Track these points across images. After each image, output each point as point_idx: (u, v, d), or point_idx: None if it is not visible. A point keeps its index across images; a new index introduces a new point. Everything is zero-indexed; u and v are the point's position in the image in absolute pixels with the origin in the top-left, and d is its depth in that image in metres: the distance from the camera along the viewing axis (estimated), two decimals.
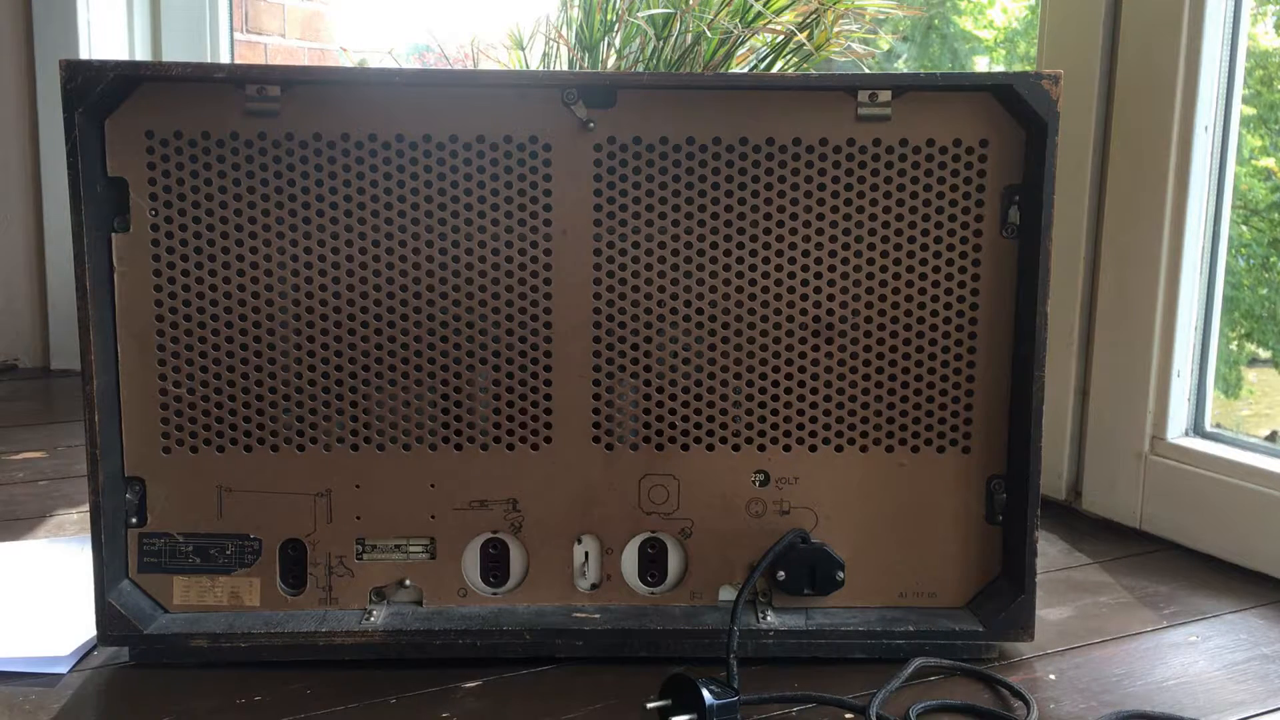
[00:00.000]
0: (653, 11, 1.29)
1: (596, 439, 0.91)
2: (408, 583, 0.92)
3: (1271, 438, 1.19)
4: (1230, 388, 1.50)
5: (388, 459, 0.91)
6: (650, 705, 0.79)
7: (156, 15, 2.05)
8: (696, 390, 0.91)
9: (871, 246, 0.90)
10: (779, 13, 1.31)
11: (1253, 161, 1.46)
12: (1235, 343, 1.50)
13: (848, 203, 0.89)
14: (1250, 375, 1.55)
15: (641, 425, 0.91)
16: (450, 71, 0.99)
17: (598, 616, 0.91)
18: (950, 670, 0.89)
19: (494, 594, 0.93)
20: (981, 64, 2.20)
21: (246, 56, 2.50)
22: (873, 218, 0.89)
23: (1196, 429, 1.21)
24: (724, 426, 0.92)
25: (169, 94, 0.86)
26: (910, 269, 0.90)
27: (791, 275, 0.90)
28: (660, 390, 0.91)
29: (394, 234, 0.88)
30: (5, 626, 0.94)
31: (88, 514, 0.88)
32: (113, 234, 0.87)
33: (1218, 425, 1.21)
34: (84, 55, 1.93)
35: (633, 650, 0.89)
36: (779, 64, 1.36)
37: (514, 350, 0.90)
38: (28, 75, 1.99)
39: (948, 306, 0.90)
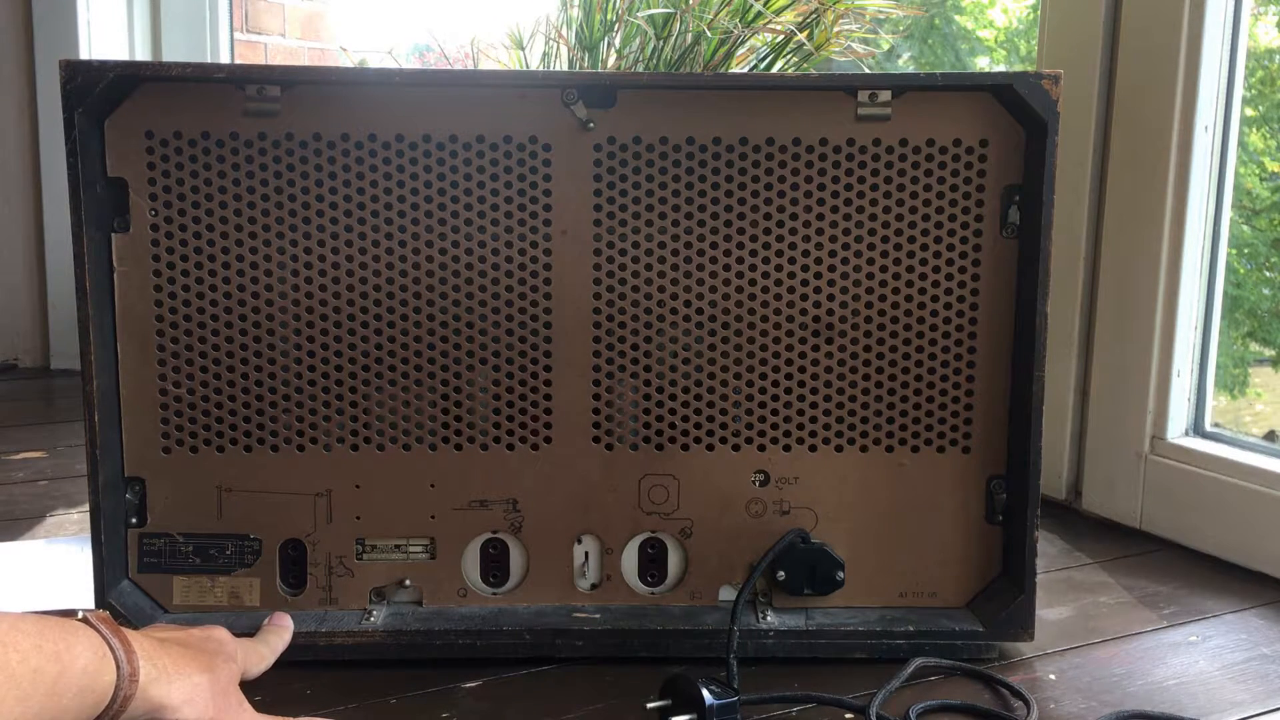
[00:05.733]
0: (653, 11, 1.29)
1: (596, 439, 0.91)
2: (408, 583, 0.92)
3: (1271, 437, 1.19)
4: (1239, 384, 1.50)
5: (388, 459, 0.91)
6: (650, 705, 0.79)
7: (156, 15, 2.05)
8: (696, 390, 0.91)
9: (871, 246, 0.90)
10: (779, 12, 1.30)
11: (1261, 165, 1.46)
12: (1238, 341, 1.50)
13: (847, 203, 0.89)
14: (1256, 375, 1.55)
15: (641, 425, 0.91)
16: (450, 71, 0.99)
17: (598, 616, 0.91)
18: (950, 670, 0.89)
19: (494, 594, 0.93)
20: (982, 64, 2.20)
21: (246, 56, 2.50)
22: (872, 218, 0.89)
23: (1196, 429, 1.21)
24: (724, 426, 0.91)
25: (169, 94, 0.86)
26: (910, 269, 0.90)
27: (791, 275, 0.90)
28: (660, 390, 0.91)
29: (394, 234, 0.88)
30: None
31: (88, 514, 0.88)
32: (113, 234, 0.87)
33: (1216, 425, 1.21)
34: (84, 55, 1.93)
35: (633, 650, 0.89)
36: (779, 64, 1.36)
37: (514, 350, 0.90)
38: (28, 75, 1.99)
39: (948, 306, 0.90)
